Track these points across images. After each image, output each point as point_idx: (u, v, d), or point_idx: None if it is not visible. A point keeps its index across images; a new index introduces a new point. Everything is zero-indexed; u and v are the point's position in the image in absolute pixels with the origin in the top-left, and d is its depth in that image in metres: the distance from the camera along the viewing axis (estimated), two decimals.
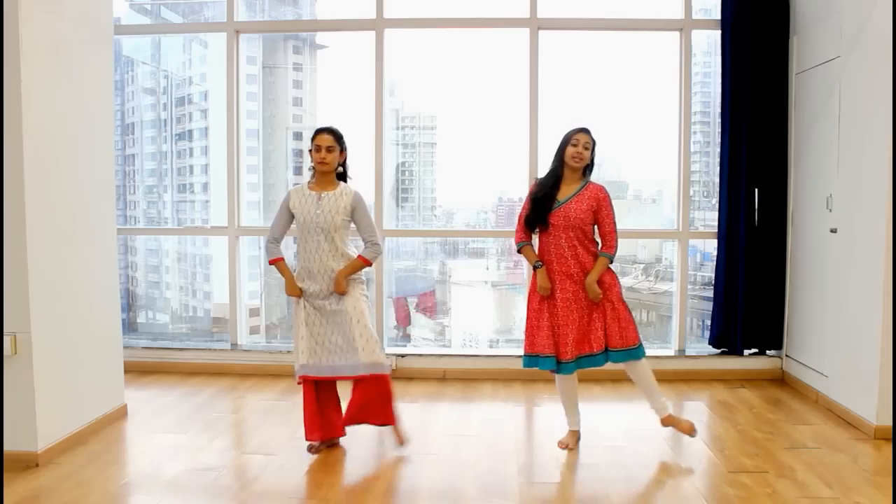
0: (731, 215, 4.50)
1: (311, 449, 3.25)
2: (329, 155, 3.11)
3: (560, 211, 3.14)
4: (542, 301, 3.21)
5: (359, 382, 3.19)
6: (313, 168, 3.19)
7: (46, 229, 3.14)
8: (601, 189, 3.19)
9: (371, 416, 3.25)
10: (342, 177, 3.26)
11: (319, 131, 3.14)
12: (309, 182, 3.22)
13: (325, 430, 3.25)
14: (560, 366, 3.16)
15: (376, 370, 3.14)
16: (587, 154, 3.16)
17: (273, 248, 3.23)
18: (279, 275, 3.26)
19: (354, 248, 3.26)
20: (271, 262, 3.25)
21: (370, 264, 3.19)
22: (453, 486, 2.90)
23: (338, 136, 3.16)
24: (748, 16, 4.40)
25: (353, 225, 3.22)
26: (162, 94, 5.38)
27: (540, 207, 3.17)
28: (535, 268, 3.22)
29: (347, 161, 3.26)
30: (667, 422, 3.29)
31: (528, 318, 3.27)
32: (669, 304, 4.93)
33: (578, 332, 3.16)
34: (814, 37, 4.16)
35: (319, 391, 3.24)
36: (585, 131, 3.18)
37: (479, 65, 4.98)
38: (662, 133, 4.75)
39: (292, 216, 3.20)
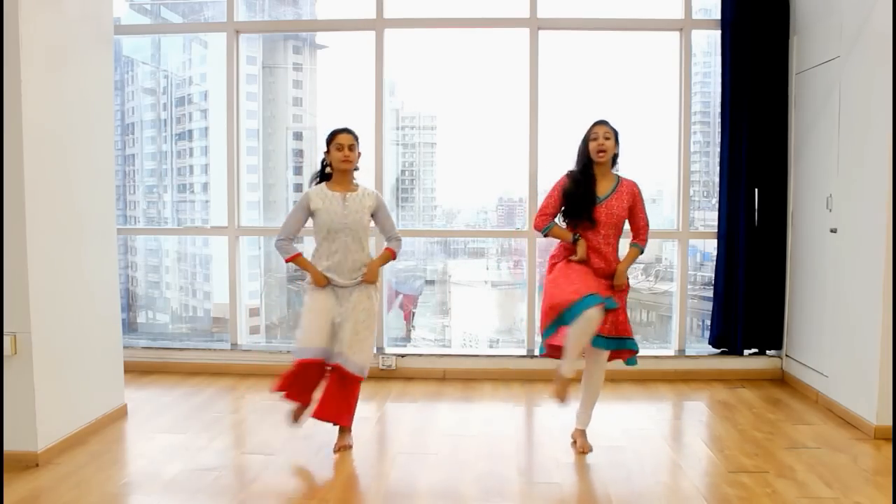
0: (731, 215, 4.50)
1: (294, 417, 3.35)
2: (352, 153, 3.21)
3: (602, 208, 3.16)
4: (568, 263, 3.16)
5: (333, 376, 3.20)
6: (329, 169, 3.25)
7: (46, 229, 3.14)
8: (634, 185, 3.25)
9: (331, 412, 3.23)
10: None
11: (339, 132, 3.21)
12: (326, 183, 3.26)
13: (301, 395, 3.28)
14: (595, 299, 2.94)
15: (355, 370, 3.17)
16: (609, 143, 3.15)
17: (288, 246, 3.25)
18: (280, 274, 3.29)
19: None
20: (288, 260, 3.29)
21: (395, 257, 3.39)
22: (453, 487, 2.90)
23: (356, 136, 3.26)
24: (748, 16, 4.40)
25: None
26: (162, 94, 5.38)
27: (582, 205, 3.16)
28: (575, 241, 3.16)
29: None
30: (577, 435, 3.32)
31: (552, 279, 3.14)
32: (669, 304, 4.93)
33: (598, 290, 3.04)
34: (814, 37, 4.17)
35: (311, 370, 3.25)
36: (602, 122, 3.19)
37: (479, 65, 4.98)
38: (662, 133, 4.75)
39: (308, 217, 3.25)
